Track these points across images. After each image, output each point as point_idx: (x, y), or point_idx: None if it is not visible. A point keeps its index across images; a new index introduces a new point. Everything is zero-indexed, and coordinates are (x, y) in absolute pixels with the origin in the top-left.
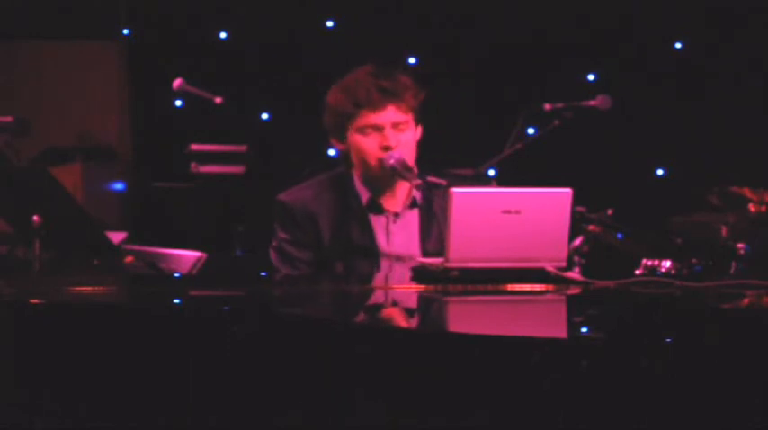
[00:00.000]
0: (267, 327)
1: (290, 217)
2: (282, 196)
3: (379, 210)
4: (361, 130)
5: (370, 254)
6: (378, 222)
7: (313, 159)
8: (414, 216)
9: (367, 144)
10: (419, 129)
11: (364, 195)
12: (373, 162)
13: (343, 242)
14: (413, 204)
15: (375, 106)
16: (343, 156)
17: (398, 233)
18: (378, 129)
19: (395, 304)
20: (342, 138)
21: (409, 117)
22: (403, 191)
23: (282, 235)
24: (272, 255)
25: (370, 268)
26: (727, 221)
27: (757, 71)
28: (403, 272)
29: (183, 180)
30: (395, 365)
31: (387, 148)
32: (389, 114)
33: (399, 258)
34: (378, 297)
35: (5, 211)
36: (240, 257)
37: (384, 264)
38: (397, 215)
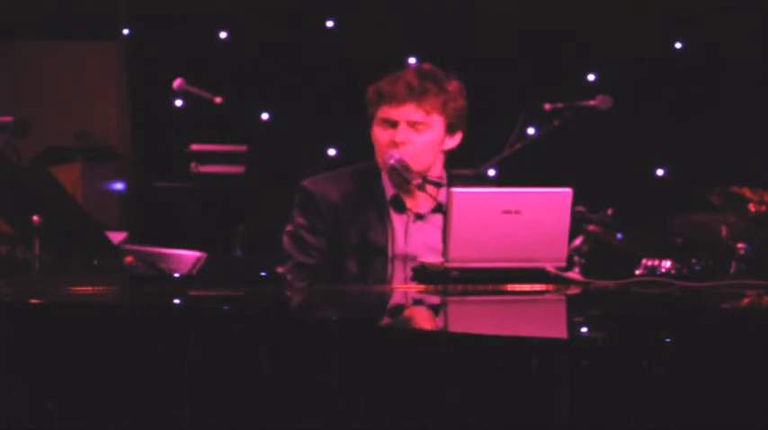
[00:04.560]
0: (267, 327)
1: (311, 203)
2: (307, 182)
3: (402, 209)
4: (380, 122)
5: (386, 251)
6: (398, 220)
7: (313, 159)
8: (438, 220)
9: (380, 137)
10: (456, 137)
11: (390, 191)
12: (380, 156)
13: (361, 236)
14: (437, 208)
15: (394, 101)
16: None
17: (418, 234)
18: (392, 124)
19: (395, 304)
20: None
21: (433, 119)
22: (426, 193)
23: (300, 220)
24: (285, 240)
25: (383, 265)
26: (727, 221)
27: (757, 71)
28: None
29: (183, 180)
30: (395, 365)
31: (395, 144)
32: (407, 111)
33: (416, 259)
34: (378, 297)
35: (5, 211)
36: (240, 257)
37: (398, 262)
38: (419, 216)
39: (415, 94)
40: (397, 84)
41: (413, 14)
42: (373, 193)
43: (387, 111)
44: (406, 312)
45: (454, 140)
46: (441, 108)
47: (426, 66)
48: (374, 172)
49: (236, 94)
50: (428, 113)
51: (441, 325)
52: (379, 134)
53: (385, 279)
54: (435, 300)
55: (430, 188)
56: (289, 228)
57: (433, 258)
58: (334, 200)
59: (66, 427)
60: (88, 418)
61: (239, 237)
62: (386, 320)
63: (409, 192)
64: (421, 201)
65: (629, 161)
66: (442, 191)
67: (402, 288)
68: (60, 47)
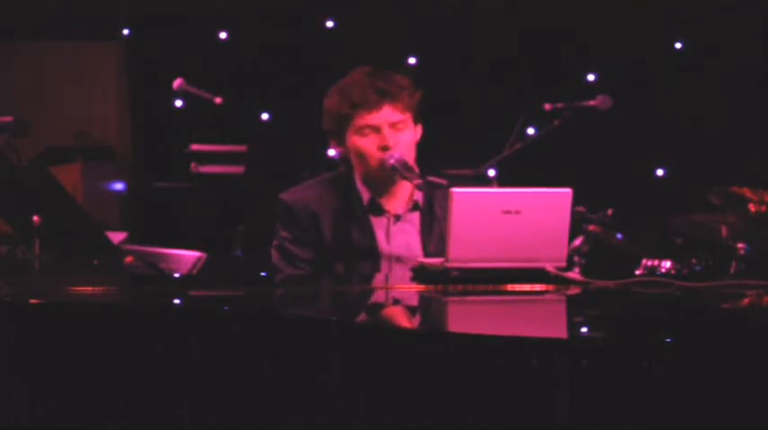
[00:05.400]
0: (267, 327)
1: (291, 216)
2: (284, 195)
3: (380, 211)
4: (360, 131)
5: (371, 254)
6: (378, 223)
7: (313, 159)
8: (415, 218)
9: (365, 144)
10: (418, 129)
11: (365, 195)
12: (373, 162)
13: (344, 242)
14: (414, 207)
15: (371, 106)
16: (344, 160)
17: (399, 234)
18: (375, 129)
19: (395, 304)
20: (341, 140)
21: (407, 116)
22: (404, 192)
23: (284, 234)
24: (274, 254)
25: (370, 269)
26: (727, 221)
27: (757, 71)
28: (403, 272)
29: (183, 180)
30: (395, 365)
31: (385, 148)
32: (386, 114)
33: (399, 259)
34: (378, 297)
35: (5, 211)
36: (240, 257)
37: (384, 264)
38: (398, 217)
39: (388, 96)
40: (364, 90)
41: (413, 14)
42: (350, 199)
43: (367, 118)
44: (405, 312)
45: (419, 132)
46: (408, 104)
47: (368, 68)
48: (348, 178)
49: (236, 94)
50: (402, 112)
51: (440, 325)
52: (362, 142)
53: (376, 281)
54: (435, 299)
55: (408, 183)
56: (274, 242)
57: (415, 256)
58: (313, 209)
59: (66, 427)
60: (88, 418)
61: (239, 237)
62: (385, 320)
63: (384, 194)
64: (397, 202)
65: (629, 161)
66: (418, 189)
67: (402, 288)
68: (60, 47)
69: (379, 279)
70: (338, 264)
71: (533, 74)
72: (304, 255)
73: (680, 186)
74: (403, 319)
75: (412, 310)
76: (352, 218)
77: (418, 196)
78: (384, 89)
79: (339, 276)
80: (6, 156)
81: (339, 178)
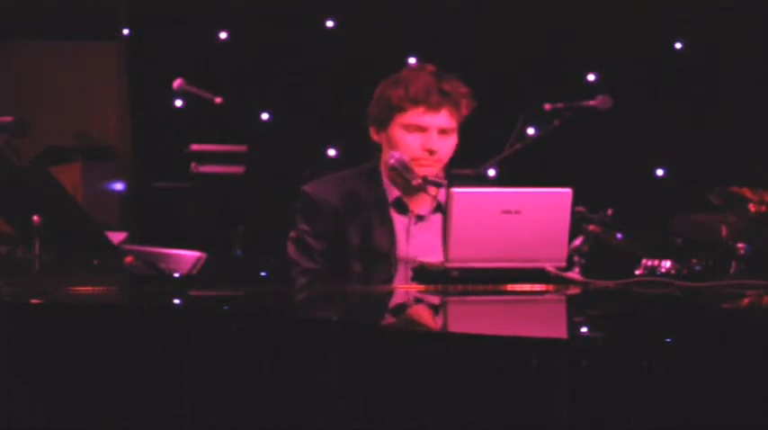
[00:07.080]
0: (267, 327)
1: (313, 209)
2: (308, 188)
3: (404, 210)
4: (407, 127)
5: (388, 253)
6: (400, 222)
7: (313, 159)
8: (437, 220)
9: (410, 142)
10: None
11: (392, 193)
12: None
13: (363, 239)
14: (437, 208)
15: (431, 106)
16: (376, 148)
17: (419, 235)
18: (423, 130)
19: (396, 304)
20: (382, 128)
21: (456, 125)
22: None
23: (304, 226)
24: (290, 246)
25: (387, 267)
26: (727, 221)
27: (757, 71)
28: (405, 273)
29: (183, 180)
30: (395, 365)
31: (432, 152)
32: (442, 118)
33: (416, 260)
34: (378, 297)
35: (5, 211)
36: (240, 257)
37: (401, 264)
38: (420, 217)
39: (450, 100)
40: (428, 87)
41: (413, 14)
42: (375, 196)
43: (422, 118)
44: (407, 312)
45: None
46: (464, 113)
47: (433, 67)
48: (376, 174)
49: (236, 94)
50: (457, 119)
51: (441, 325)
52: (407, 139)
53: (388, 280)
54: (435, 300)
55: (430, 188)
56: (292, 234)
57: (435, 259)
58: (334, 203)
59: (66, 427)
60: (88, 418)
61: (239, 237)
62: (386, 320)
63: (412, 194)
64: (422, 203)
65: (629, 161)
66: (442, 190)
67: (402, 288)
68: (60, 47)
69: (386, 280)
70: (355, 261)
71: (533, 74)
72: (321, 249)
73: (680, 186)
74: (403, 319)
75: (412, 310)
76: (374, 215)
77: (442, 197)
78: (448, 92)
79: (338, 276)
80: (6, 156)
81: (365, 173)
